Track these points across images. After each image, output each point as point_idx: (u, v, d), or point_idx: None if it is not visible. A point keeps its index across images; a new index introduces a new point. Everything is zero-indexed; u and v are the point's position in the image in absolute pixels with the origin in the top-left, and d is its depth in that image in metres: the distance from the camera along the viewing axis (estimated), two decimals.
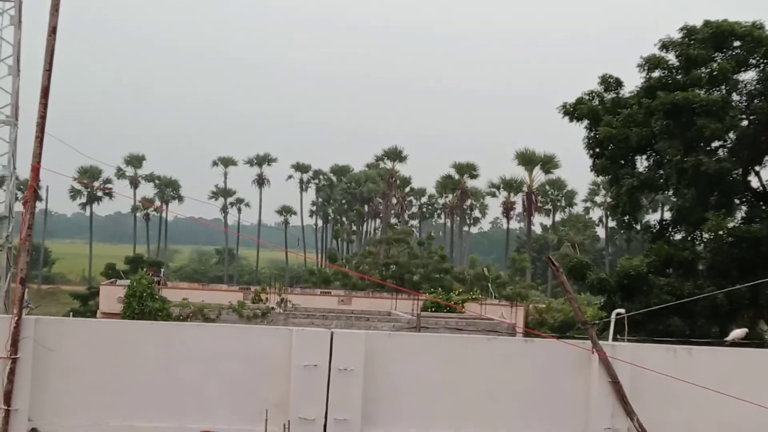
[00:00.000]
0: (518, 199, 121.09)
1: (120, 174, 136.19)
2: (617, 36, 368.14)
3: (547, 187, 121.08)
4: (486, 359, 13.99)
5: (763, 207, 34.68)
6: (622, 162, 35.65)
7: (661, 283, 32.77)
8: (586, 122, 36.00)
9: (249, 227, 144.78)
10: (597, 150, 35.94)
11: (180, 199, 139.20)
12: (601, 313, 35.80)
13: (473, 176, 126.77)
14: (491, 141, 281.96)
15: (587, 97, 36.43)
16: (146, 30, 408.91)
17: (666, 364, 13.97)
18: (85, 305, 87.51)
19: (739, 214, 35.38)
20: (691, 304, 29.82)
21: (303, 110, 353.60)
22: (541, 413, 13.89)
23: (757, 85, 34.03)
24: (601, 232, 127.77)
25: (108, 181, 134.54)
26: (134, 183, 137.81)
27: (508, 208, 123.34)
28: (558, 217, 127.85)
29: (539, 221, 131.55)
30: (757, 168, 35.35)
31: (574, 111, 36.08)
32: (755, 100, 34.14)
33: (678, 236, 35.87)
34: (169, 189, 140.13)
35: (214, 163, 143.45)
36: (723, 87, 33.82)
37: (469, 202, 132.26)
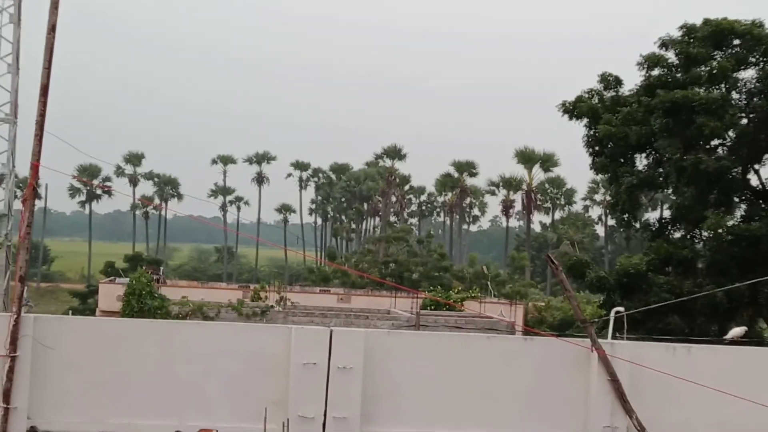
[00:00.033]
0: (518, 198, 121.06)
1: (119, 172, 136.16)
2: (617, 36, 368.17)
3: (547, 185, 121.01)
4: (485, 357, 14.01)
5: (763, 205, 34.68)
6: (622, 160, 35.64)
7: (660, 282, 32.77)
8: (585, 120, 35.98)
9: (248, 225, 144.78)
10: (596, 148, 35.93)
11: (179, 197, 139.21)
12: (600, 311, 35.82)
13: (473, 174, 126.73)
14: (491, 140, 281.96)
15: (587, 96, 36.42)
16: (146, 29, 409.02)
17: (665, 363, 13.98)
18: (85, 303, 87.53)
19: (739, 213, 35.40)
20: (691, 303, 29.81)
21: (303, 110, 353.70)
22: (540, 411, 13.91)
23: (757, 84, 34.02)
24: (600, 230, 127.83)
25: (107, 179, 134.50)
26: (133, 181, 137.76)
27: (507, 207, 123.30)
28: (557, 215, 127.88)
29: (538, 219, 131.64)
30: (756, 166, 35.34)
31: (573, 109, 36.06)
32: (755, 99, 34.12)
33: (677, 234, 35.87)
34: (168, 187, 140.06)
35: (214, 162, 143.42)
36: (722, 85, 33.81)
37: (468, 200, 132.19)
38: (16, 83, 25.55)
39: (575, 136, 36.94)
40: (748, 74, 34.36)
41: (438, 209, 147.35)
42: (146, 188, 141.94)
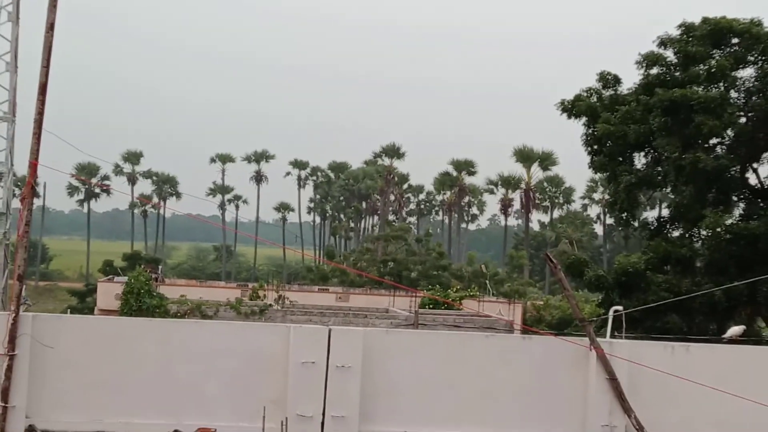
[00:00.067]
0: (516, 196, 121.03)
1: (118, 171, 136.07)
2: (617, 36, 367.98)
3: (545, 184, 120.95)
4: (484, 356, 14.00)
5: (761, 204, 34.68)
6: (620, 159, 35.65)
7: (658, 280, 32.78)
8: (584, 119, 36.00)
9: (247, 224, 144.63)
10: (595, 147, 35.95)
11: (178, 195, 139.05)
12: (598, 310, 35.83)
13: (471, 173, 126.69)
14: (490, 139, 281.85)
15: (585, 94, 36.43)
16: (146, 29, 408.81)
17: (663, 361, 13.98)
18: (83, 302, 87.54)
19: (737, 211, 35.41)
20: (689, 301, 29.83)
21: (302, 109, 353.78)
22: (538, 410, 13.91)
23: (756, 82, 34.03)
24: (599, 229, 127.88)
25: (106, 177, 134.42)
26: (132, 180, 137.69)
27: (506, 205, 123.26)
28: (556, 214, 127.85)
29: (537, 218, 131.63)
30: (755, 165, 35.37)
31: (572, 108, 36.07)
32: (753, 97, 34.13)
33: (676, 233, 35.88)
34: (166, 186, 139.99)
35: (212, 160, 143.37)
36: (721, 84, 33.82)
37: (467, 199, 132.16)
38: (14, 81, 25.52)
39: (574, 134, 36.98)
40: (747, 73, 34.40)
41: (437, 208, 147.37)
42: (145, 187, 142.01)
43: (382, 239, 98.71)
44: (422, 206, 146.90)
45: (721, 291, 30.15)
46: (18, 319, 12.79)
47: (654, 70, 35.03)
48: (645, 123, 33.83)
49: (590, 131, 35.86)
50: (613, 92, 36.34)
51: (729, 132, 33.81)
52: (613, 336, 19.05)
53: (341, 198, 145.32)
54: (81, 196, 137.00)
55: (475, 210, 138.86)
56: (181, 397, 13.23)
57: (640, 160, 35.99)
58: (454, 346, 14.22)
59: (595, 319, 27.78)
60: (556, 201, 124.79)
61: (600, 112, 35.31)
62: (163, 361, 13.28)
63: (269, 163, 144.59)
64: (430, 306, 42.66)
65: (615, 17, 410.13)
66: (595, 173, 44.59)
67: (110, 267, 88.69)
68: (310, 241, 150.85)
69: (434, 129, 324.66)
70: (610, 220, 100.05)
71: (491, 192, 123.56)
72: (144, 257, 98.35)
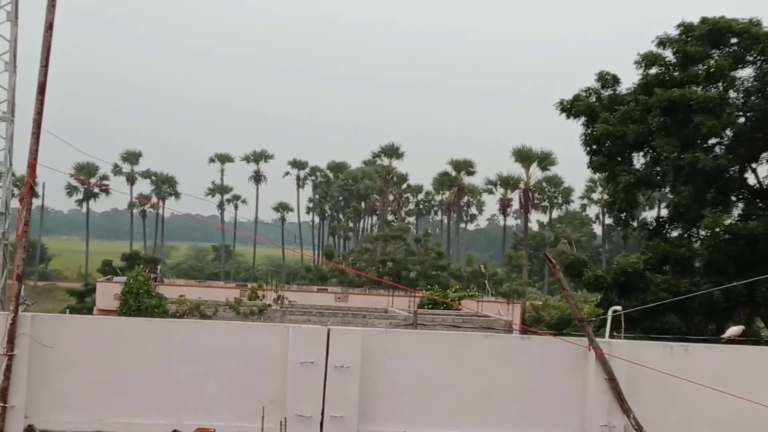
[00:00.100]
0: (515, 196, 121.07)
1: (117, 170, 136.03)
2: (617, 36, 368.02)
3: (544, 184, 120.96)
4: (483, 356, 14.00)
5: (760, 204, 34.68)
6: (619, 159, 35.65)
7: (657, 281, 32.78)
8: (583, 119, 36.00)
9: (246, 224, 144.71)
10: (594, 147, 35.95)
11: (177, 195, 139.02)
12: (597, 310, 35.81)
13: (470, 173, 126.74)
14: (490, 139, 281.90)
15: (584, 94, 36.43)
16: (146, 29, 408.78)
17: (662, 361, 13.98)
18: (82, 302, 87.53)
19: (736, 212, 35.43)
20: (688, 302, 29.84)
21: (302, 109, 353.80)
22: (537, 410, 13.90)
23: (754, 82, 34.04)
24: (597, 229, 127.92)
25: (105, 177, 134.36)
26: (131, 179, 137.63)
27: (505, 205, 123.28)
28: (555, 214, 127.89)
29: (536, 218, 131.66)
30: (753, 165, 35.38)
31: (571, 108, 36.07)
32: (752, 97, 34.14)
33: (675, 233, 35.89)
34: (165, 186, 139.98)
35: (211, 160, 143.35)
36: (720, 84, 33.83)
37: (465, 199, 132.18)
38: (13, 81, 25.51)
39: (573, 134, 37.00)
40: (746, 73, 34.41)
41: (435, 208, 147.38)
42: (144, 187, 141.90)
43: (381, 239, 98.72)
44: (421, 206, 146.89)
45: (719, 291, 30.16)
46: (17, 319, 12.78)
47: (653, 70, 35.03)
48: (644, 123, 33.84)
49: (589, 131, 35.86)
50: (612, 92, 36.35)
51: (728, 132, 33.83)
52: (612, 336, 19.08)
53: (340, 198, 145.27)
54: (80, 196, 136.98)
55: (474, 210, 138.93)
56: (180, 397, 13.22)
57: (639, 160, 36.02)
58: (453, 346, 14.22)
59: (594, 319, 27.78)
60: (555, 201, 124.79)
61: (599, 112, 35.32)
62: (162, 361, 13.28)
63: (268, 163, 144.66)
64: (429, 306, 42.72)
65: (615, 17, 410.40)
66: (594, 173, 44.63)
67: (109, 267, 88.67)
68: (309, 241, 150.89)
69: (434, 129, 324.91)
70: (609, 220, 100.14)
71: (490, 192, 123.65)
72: (143, 257, 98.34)
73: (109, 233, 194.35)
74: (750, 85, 34.17)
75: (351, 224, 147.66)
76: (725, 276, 31.41)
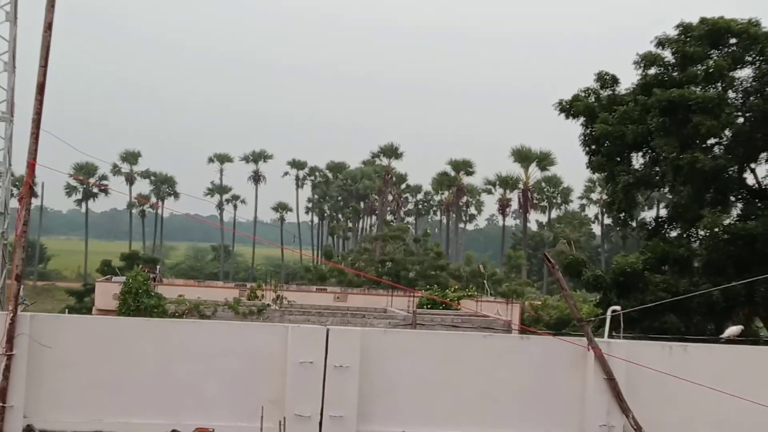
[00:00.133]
0: (514, 196, 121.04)
1: (116, 170, 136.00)
2: (617, 36, 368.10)
3: (543, 184, 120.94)
4: (482, 356, 14.01)
5: (759, 204, 34.68)
6: (618, 159, 35.65)
7: (656, 281, 32.79)
8: (582, 119, 36.00)
9: (245, 224, 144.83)
10: (593, 147, 35.94)
11: (176, 195, 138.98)
12: (596, 310, 35.81)
13: (469, 173, 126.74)
14: (489, 139, 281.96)
15: (583, 94, 36.43)
16: (146, 29, 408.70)
17: (661, 361, 13.99)
18: (81, 302, 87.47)
19: (735, 212, 35.43)
20: (687, 302, 29.84)
21: (302, 109, 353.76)
22: (536, 410, 13.91)
23: (753, 83, 34.03)
24: (596, 229, 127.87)
25: (104, 177, 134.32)
26: (130, 179, 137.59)
27: (504, 205, 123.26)
28: (554, 214, 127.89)
29: (535, 218, 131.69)
30: (752, 165, 35.37)
31: (570, 108, 36.07)
32: (751, 98, 34.14)
33: (674, 233, 35.89)
34: (164, 186, 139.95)
35: (210, 160, 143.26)
36: (719, 84, 33.83)
37: (465, 199, 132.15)
38: (12, 81, 25.51)
39: (572, 134, 36.99)
40: (745, 73, 34.40)
41: (435, 208, 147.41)
42: (143, 186, 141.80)
43: (380, 239, 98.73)
44: (420, 206, 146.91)
45: (718, 291, 30.17)
46: (16, 318, 12.78)
47: (652, 71, 35.03)
48: (643, 123, 33.83)
49: (588, 131, 35.86)
50: (611, 92, 36.35)
51: (727, 132, 33.82)
52: (611, 336, 19.07)
53: (339, 198, 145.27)
54: (79, 196, 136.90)
55: (473, 210, 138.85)
56: (179, 397, 13.23)
57: (638, 160, 36.00)
58: (452, 346, 14.23)
59: (593, 319, 27.78)
60: (554, 201, 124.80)
61: (598, 112, 35.32)
62: (161, 360, 13.28)
63: (267, 163, 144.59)
64: (428, 306, 42.72)
65: (615, 17, 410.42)
66: (593, 173, 44.62)
67: (108, 267, 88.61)
68: (308, 241, 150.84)
69: (434, 129, 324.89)
70: (608, 220, 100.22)
71: (489, 192, 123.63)
72: (142, 257, 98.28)
73: (108, 233, 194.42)
74: (749, 85, 34.17)
75: (350, 224, 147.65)
76: (724, 276, 31.42)
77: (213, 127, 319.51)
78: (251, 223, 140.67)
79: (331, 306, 48.21)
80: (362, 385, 13.40)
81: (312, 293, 60.91)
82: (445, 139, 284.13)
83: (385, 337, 14.35)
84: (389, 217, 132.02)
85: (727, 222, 33.45)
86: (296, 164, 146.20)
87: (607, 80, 36.43)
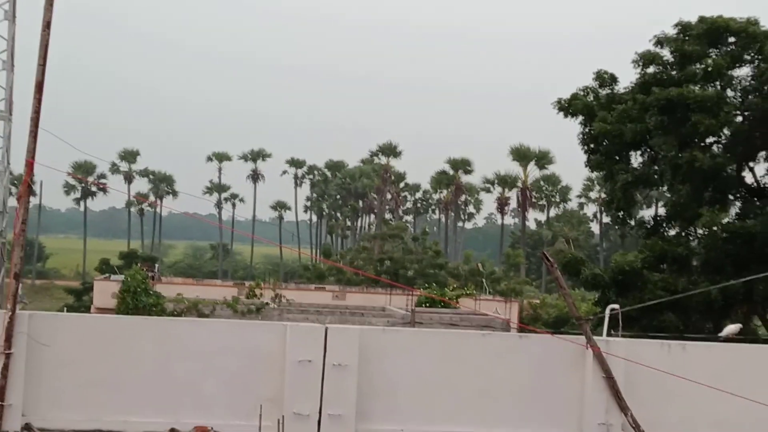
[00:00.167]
0: (513, 195, 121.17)
1: (114, 169, 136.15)
2: (617, 36, 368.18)
3: (542, 182, 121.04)
4: (480, 355, 14.00)
5: (757, 203, 34.72)
6: (617, 158, 35.68)
7: (655, 279, 32.82)
8: (580, 118, 36.02)
9: (243, 222, 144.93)
10: (592, 146, 35.97)
11: (174, 194, 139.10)
12: (595, 308, 35.87)
13: (468, 172, 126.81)
14: (489, 139, 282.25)
15: (582, 93, 36.46)
16: (146, 28, 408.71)
17: (660, 360, 13.99)
18: (79, 300, 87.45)
19: (734, 210, 35.46)
20: (686, 300, 29.86)
21: (302, 109, 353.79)
22: (535, 408, 13.91)
23: (752, 81, 34.05)
24: (595, 227, 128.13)
25: (102, 176, 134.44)
26: (129, 178, 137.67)
27: (502, 204, 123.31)
28: (552, 212, 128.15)
29: (534, 217, 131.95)
30: (751, 164, 35.42)
31: (568, 107, 36.10)
32: (750, 96, 34.16)
33: (672, 232, 35.92)
34: (163, 184, 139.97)
35: (209, 159, 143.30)
36: (717, 83, 33.86)
37: (463, 197, 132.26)
38: (11, 80, 25.53)
39: (571, 133, 37.04)
40: (743, 72, 34.44)
41: (433, 206, 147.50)
42: (141, 185, 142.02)
43: (379, 238, 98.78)
44: (419, 205, 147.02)
45: (717, 290, 30.21)
46: (14, 317, 12.77)
47: (650, 69, 35.06)
48: (641, 122, 33.86)
49: (587, 130, 35.89)
50: (609, 91, 36.38)
51: (725, 131, 33.84)
52: (609, 334, 19.06)
53: (338, 196, 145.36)
54: (78, 195, 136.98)
55: (471, 208, 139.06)
56: (178, 396, 13.22)
57: (636, 159, 36.05)
58: (450, 344, 14.22)
59: (591, 317, 27.76)
60: (553, 200, 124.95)
61: (597, 110, 35.34)
62: (160, 359, 13.27)
63: (266, 161, 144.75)
64: (427, 304, 42.69)
65: (615, 17, 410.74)
66: (592, 172, 44.64)
67: (107, 265, 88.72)
68: (307, 239, 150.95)
69: (434, 129, 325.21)
70: (606, 219, 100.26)
71: (488, 191, 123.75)
72: (140, 256, 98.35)
73: (106, 232, 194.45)
74: (747, 83, 34.19)
75: (349, 223, 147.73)
76: (723, 274, 31.44)
77: (213, 126, 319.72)
78: (250, 221, 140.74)
79: (330, 304, 48.22)
80: (361, 384, 13.39)
81: (311, 292, 60.92)
82: (444, 138, 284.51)
83: (384, 335, 14.34)
84: (388, 216, 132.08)
85: (725, 221, 33.50)
86: (295, 163, 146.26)
87: (605, 79, 36.47)
